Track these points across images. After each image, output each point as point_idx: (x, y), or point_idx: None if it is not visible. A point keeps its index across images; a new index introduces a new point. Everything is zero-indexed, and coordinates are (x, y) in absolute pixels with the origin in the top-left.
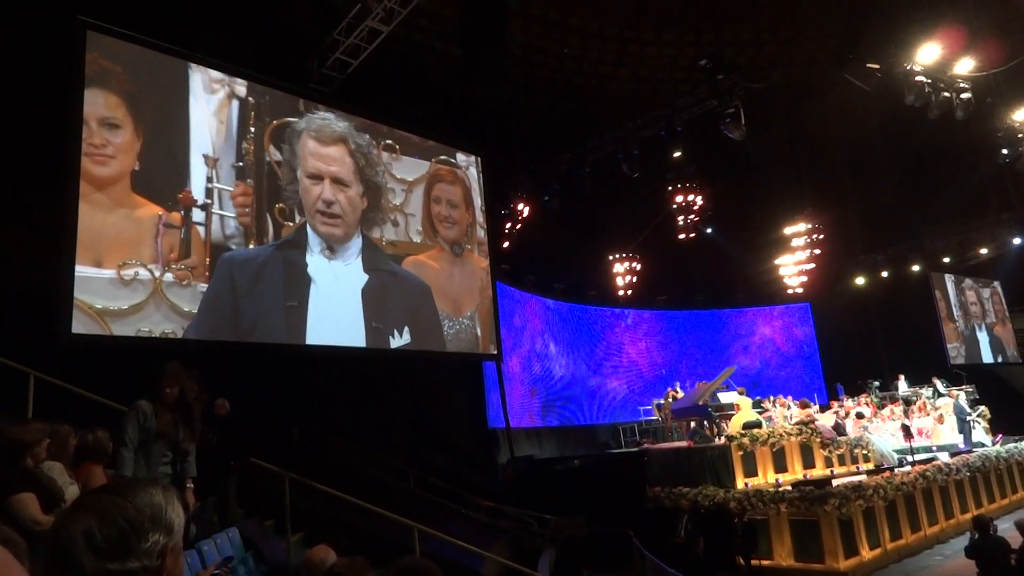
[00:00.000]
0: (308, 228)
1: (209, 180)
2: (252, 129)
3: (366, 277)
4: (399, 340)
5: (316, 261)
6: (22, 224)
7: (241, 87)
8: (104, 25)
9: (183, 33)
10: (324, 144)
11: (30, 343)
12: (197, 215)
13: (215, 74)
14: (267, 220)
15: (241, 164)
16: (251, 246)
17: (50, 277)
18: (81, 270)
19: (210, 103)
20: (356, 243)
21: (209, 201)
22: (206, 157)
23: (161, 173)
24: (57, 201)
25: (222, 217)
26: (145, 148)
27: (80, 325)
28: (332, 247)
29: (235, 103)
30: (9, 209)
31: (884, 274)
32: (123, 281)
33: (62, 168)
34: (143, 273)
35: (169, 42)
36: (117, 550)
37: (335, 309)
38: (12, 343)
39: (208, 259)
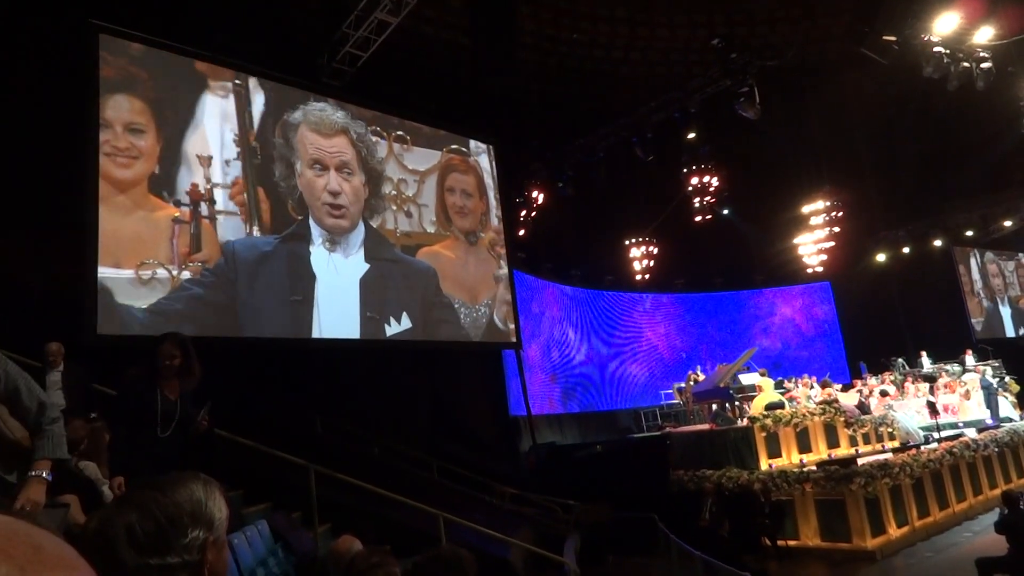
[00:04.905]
0: (311, 221)
1: (225, 177)
2: (264, 125)
3: (366, 267)
4: (396, 327)
5: (318, 254)
6: (47, 227)
7: (253, 84)
8: (115, 27)
9: (194, 32)
10: (326, 136)
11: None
12: (206, 209)
13: (227, 72)
14: (272, 215)
15: (253, 160)
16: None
17: (75, 279)
18: (102, 271)
19: (221, 101)
20: (358, 234)
21: (215, 200)
22: (220, 156)
23: (175, 174)
24: (79, 204)
25: (233, 213)
26: (164, 151)
27: (104, 325)
28: (334, 239)
29: (246, 100)
30: (33, 213)
31: (906, 250)
32: (141, 281)
33: (83, 172)
34: (161, 272)
35: (179, 42)
36: (157, 545)
37: (336, 302)
38: (39, 345)
39: (220, 253)
